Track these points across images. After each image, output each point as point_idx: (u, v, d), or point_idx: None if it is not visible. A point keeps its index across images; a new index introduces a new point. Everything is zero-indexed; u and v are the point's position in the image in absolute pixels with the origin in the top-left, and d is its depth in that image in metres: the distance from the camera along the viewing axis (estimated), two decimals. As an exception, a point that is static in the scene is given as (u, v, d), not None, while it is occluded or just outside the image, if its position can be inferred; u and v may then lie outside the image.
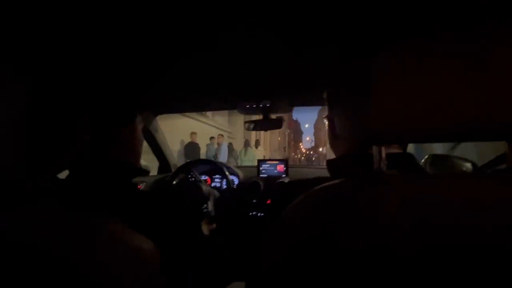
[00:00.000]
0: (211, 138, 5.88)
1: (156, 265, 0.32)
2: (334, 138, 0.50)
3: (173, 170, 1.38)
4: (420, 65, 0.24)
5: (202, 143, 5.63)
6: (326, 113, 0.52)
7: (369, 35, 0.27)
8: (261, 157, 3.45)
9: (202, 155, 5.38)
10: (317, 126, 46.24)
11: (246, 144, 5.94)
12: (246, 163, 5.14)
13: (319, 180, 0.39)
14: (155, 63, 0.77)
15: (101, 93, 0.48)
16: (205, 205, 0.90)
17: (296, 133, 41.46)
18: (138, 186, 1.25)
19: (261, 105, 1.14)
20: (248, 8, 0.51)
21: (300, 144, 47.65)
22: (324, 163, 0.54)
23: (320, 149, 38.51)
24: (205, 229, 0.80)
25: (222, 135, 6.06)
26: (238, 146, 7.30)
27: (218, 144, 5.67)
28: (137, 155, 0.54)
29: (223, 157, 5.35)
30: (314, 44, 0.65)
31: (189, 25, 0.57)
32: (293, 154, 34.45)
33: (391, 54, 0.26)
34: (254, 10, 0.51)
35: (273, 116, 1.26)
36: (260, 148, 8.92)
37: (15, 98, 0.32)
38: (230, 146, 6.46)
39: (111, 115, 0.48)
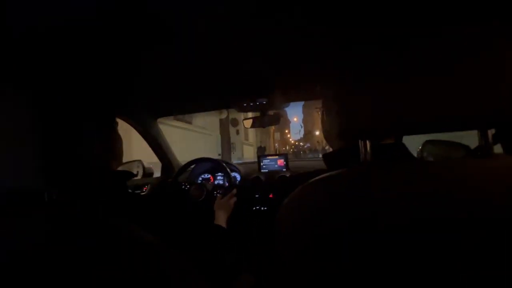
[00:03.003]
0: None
1: (167, 260, 0.33)
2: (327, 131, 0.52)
3: (175, 170, 1.40)
4: (399, 67, 0.28)
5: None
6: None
7: (356, 38, 0.31)
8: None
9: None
10: (305, 107, 40.60)
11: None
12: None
13: (318, 172, 0.42)
14: (150, 67, 0.78)
15: (98, 99, 0.49)
16: None
17: (282, 124, 38.22)
18: (144, 188, 1.29)
19: (257, 103, 1.16)
20: (243, 11, 0.51)
21: (286, 131, 44.38)
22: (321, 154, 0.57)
23: (317, 133, 34.03)
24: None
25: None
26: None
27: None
28: (122, 156, 0.55)
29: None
30: (308, 42, 0.67)
31: (184, 28, 0.57)
32: (276, 145, 29.73)
33: (373, 58, 0.29)
34: (248, 11, 0.52)
35: (271, 112, 1.29)
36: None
37: (27, 109, 0.33)
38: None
39: (104, 121, 0.49)
